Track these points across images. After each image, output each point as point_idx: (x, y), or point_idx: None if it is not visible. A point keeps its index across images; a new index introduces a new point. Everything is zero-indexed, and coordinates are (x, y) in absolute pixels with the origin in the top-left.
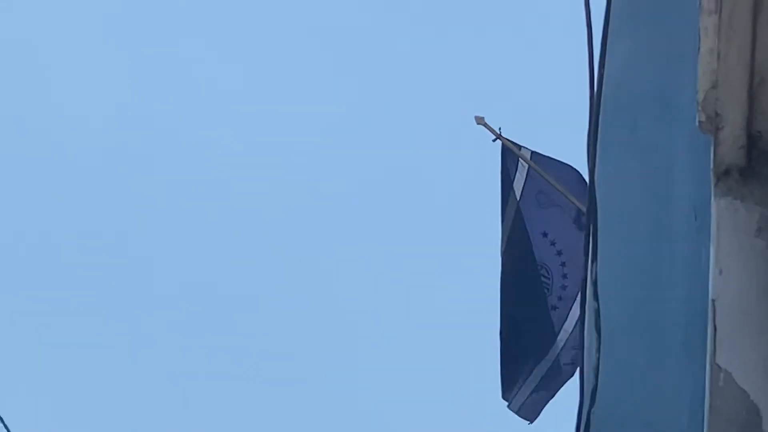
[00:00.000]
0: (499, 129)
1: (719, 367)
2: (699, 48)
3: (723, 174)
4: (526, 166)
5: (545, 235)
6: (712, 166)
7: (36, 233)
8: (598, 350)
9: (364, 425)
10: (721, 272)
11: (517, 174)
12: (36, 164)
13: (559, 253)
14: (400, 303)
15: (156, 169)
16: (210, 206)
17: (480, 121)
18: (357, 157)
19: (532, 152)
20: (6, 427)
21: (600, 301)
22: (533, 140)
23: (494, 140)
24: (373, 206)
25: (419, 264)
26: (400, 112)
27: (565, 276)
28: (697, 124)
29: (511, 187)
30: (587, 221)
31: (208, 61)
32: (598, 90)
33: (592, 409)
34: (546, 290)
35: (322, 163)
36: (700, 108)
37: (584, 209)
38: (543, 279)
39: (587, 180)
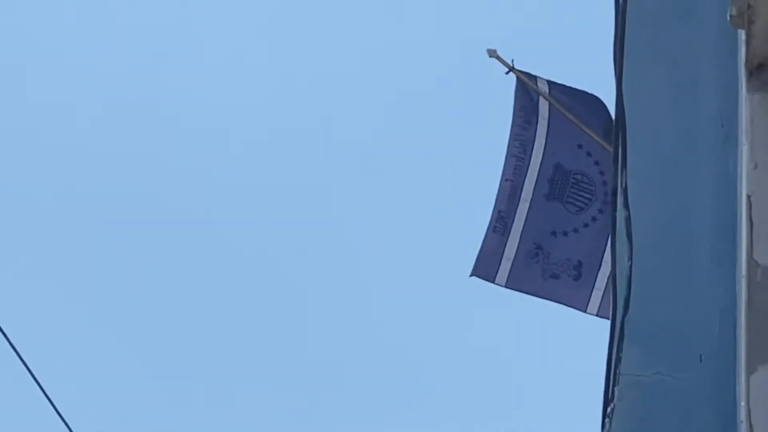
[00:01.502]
0: (512, 61)
1: (756, 262)
2: None
3: (755, 68)
4: (547, 89)
5: (580, 146)
6: (743, 61)
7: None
8: (630, 258)
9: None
10: (756, 167)
11: (541, 98)
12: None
13: (597, 163)
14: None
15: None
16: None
17: (492, 53)
18: (363, 96)
19: (549, 82)
20: (65, 421)
21: (630, 210)
22: (547, 69)
23: (507, 73)
24: (385, 145)
25: (430, 206)
26: (411, 48)
27: (605, 183)
28: (728, 18)
29: (537, 111)
30: (615, 130)
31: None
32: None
33: (626, 318)
34: (590, 195)
35: (331, 106)
36: (731, 2)
37: (601, 140)
38: (585, 185)
39: (607, 105)
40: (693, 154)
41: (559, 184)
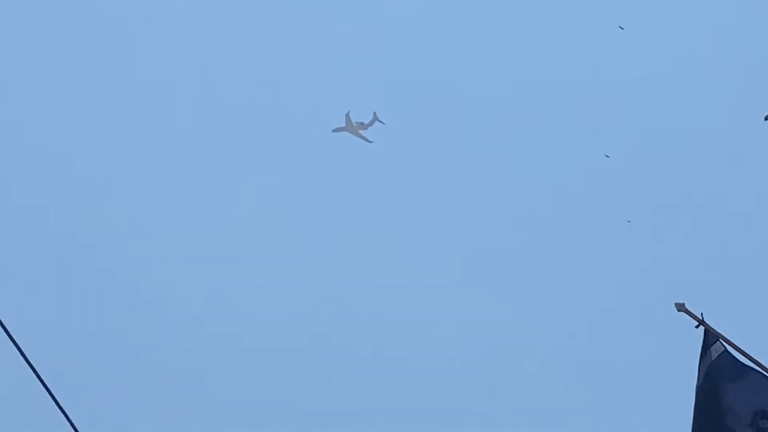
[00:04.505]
0: (701, 314)
1: None
2: None
3: None
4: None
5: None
6: None
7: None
8: None
9: None
10: None
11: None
12: None
13: None
14: None
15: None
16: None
17: (681, 308)
18: (553, 341)
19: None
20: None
21: None
22: (736, 321)
23: (697, 326)
24: (572, 393)
25: None
26: (599, 298)
27: None
28: None
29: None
30: None
31: None
32: None
33: None
34: None
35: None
36: None
37: None
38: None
39: None
40: None
41: None
